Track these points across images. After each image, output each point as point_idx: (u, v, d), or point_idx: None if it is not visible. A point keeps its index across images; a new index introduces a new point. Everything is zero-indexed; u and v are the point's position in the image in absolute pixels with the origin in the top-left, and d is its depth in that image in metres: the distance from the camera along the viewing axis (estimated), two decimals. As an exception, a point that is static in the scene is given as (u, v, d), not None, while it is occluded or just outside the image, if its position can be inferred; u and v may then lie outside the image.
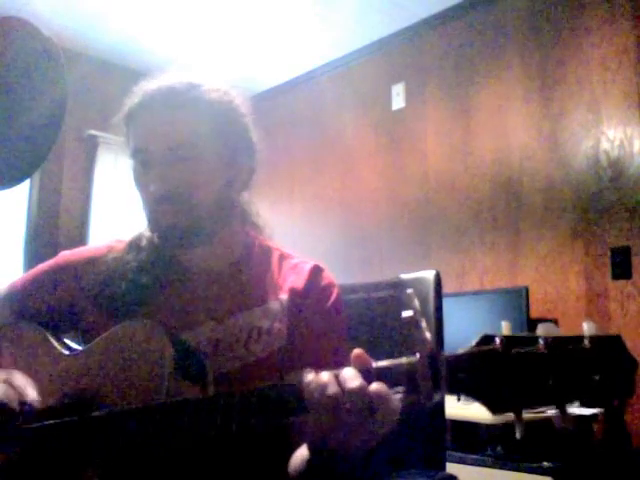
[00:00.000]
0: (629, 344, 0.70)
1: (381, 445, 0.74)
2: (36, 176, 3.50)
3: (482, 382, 0.69)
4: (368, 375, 0.71)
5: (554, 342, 0.69)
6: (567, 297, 2.68)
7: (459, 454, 2.30)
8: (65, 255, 1.13)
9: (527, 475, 2.17)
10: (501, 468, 2.24)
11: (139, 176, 1.04)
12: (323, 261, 1.11)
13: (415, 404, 0.71)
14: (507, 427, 2.19)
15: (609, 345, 0.69)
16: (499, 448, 2.27)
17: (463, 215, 3.11)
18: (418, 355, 0.71)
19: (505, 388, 0.68)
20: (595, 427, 2.36)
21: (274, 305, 1.04)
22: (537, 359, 0.68)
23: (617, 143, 2.62)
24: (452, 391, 0.70)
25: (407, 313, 0.73)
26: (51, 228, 3.59)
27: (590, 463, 2.18)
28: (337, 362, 0.74)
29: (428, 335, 0.72)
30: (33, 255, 3.50)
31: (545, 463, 2.16)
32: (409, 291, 0.74)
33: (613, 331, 2.46)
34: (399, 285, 1.34)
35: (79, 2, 3.26)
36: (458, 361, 0.71)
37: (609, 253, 2.57)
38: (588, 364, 0.68)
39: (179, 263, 1.08)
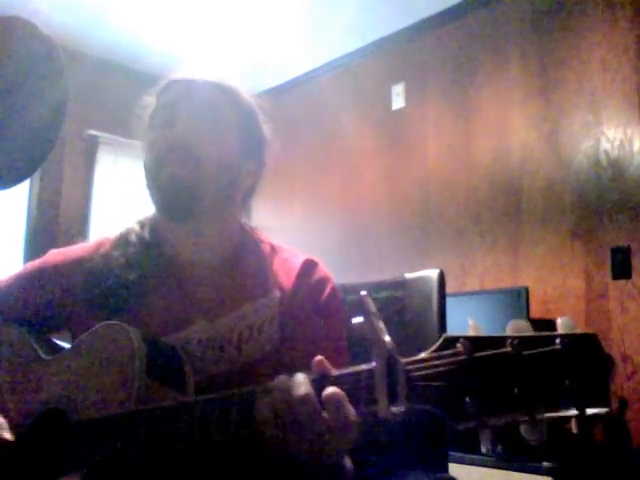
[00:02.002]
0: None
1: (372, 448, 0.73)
2: (36, 176, 3.50)
3: (442, 390, 0.64)
4: (323, 382, 0.69)
5: (522, 343, 0.63)
6: (567, 297, 2.67)
7: (459, 454, 2.30)
8: (54, 254, 1.11)
9: (527, 475, 2.17)
10: (501, 468, 2.24)
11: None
12: (323, 261, 1.09)
13: (373, 416, 0.66)
14: (507, 427, 2.18)
15: (582, 345, 0.63)
16: (499, 448, 2.27)
17: (463, 215, 3.11)
18: (374, 362, 0.67)
19: (466, 396, 0.63)
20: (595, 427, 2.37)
21: (265, 302, 1.00)
22: (502, 362, 0.63)
23: (617, 143, 2.62)
24: (412, 401, 0.64)
25: (357, 319, 0.68)
26: (51, 228, 3.59)
27: (590, 463, 2.18)
28: (332, 360, 0.73)
29: (387, 338, 0.67)
30: (33, 255, 3.45)
31: (545, 463, 2.16)
32: (362, 293, 0.69)
33: (613, 331, 2.46)
34: (403, 285, 1.33)
35: (80, 1, 3.26)
36: (417, 367, 0.65)
37: (609, 253, 2.57)
38: (558, 366, 0.62)
39: (170, 257, 1.04)
